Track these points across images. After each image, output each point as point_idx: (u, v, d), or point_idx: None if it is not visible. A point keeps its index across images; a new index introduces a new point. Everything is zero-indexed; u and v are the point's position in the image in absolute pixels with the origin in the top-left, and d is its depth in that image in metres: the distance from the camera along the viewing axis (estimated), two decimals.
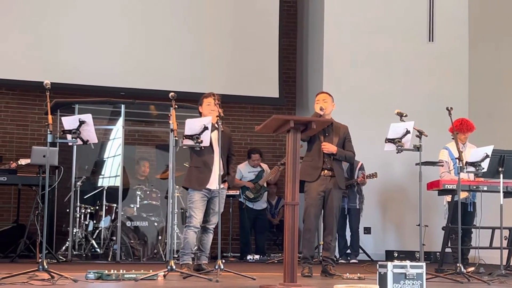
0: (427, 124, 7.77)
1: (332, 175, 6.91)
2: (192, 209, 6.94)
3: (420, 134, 6.75)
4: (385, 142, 6.66)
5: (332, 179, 6.91)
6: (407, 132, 6.60)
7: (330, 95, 7.08)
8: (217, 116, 6.58)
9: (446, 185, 7.64)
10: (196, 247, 7.29)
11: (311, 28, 12.11)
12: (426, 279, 5.16)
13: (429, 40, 11.42)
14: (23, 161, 9.06)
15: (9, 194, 10.66)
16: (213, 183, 6.95)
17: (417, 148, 6.66)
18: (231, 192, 10.33)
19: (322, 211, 6.98)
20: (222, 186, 6.93)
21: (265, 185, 10.63)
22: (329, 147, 6.87)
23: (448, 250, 8.07)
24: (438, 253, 9.24)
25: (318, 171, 6.88)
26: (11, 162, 9.31)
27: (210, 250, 7.29)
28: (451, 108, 7.11)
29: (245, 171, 10.68)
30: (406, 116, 6.73)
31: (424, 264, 5.11)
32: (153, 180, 10.27)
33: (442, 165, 8.07)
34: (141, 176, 10.15)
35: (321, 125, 6.23)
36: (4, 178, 8.93)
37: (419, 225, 6.77)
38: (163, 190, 9.80)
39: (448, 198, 8.02)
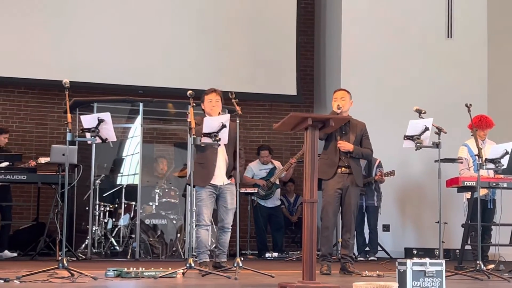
0: (446, 120, 7.74)
1: (349, 173, 6.89)
2: (200, 207, 6.90)
3: (439, 131, 6.71)
4: (404, 139, 6.64)
5: (349, 177, 6.89)
6: (426, 129, 6.57)
7: (348, 92, 7.05)
8: (235, 114, 6.59)
9: (465, 182, 7.59)
10: (214, 245, 7.29)
11: (328, 25, 12.08)
12: (446, 276, 5.13)
13: (448, 37, 11.36)
14: (42, 160, 9.12)
15: (29, 192, 10.73)
16: (218, 178, 6.93)
17: (436, 145, 6.64)
18: (249, 190, 10.35)
19: (340, 208, 6.97)
20: (228, 181, 6.92)
21: (277, 182, 10.61)
22: (345, 145, 6.85)
23: (467, 247, 8.02)
24: (457, 251, 9.19)
25: (334, 169, 6.86)
26: (31, 160, 9.38)
27: (228, 248, 7.28)
28: (470, 104, 7.07)
29: (256, 169, 10.68)
30: (425, 113, 6.70)
31: (443, 261, 5.08)
32: (171, 178, 10.30)
33: (462, 162, 8.02)
34: (159, 174, 10.19)
35: (339, 122, 6.21)
36: (24, 177, 8.99)
37: (438, 222, 6.74)
38: (181, 188, 9.83)
39: (468, 195, 7.96)
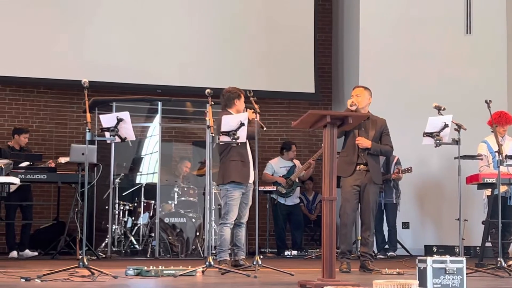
0: (466, 117, 7.67)
1: (367, 170, 6.86)
2: (231, 206, 6.87)
3: (458, 127, 6.67)
4: (423, 136, 6.60)
5: (367, 174, 6.86)
6: (446, 125, 6.53)
7: (366, 88, 7.01)
8: (253, 112, 6.59)
9: (485, 179, 7.53)
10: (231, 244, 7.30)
11: (346, 22, 12.05)
12: (466, 274, 5.10)
13: (467, 33, 11.28)
14: (62, 159, 9.18)
15: (49, 192, 10.80)
16: (251, 177, 6.96)
17: (456, 142, 6.60)
18: (268, 188, 10.34)
19: (359, 206, 6.95)
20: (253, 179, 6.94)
21: (297, 180, 10.60)
22: (363, 142, 6.82)
23: (488, 244, 7.97)
24: (478, 248, 9.14)
25: (353, 166, 6.84)
26: (50, 161, 9.43)
27: (247, 246, 7.28)
28: (490, 101, 7.03)
29: (277, 166, 10.66)
30: (444, 109, 6.66)
31: (464, 258, 5.06)
32: (190, 176, 10.32)
33: (482, 159, 7.97)
34: (181, 174, 10.19)
35: (358, 119, 6.18)
36: (44, 176, 9.05)
37: (458, 219, 6.70)
38: (200, 187, 9.84)
39: (488, 192, 7.91)
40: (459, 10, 11.29)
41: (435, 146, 6.61)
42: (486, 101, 7.01)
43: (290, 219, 10.73)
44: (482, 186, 7.80)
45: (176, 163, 10.55)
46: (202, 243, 9.22)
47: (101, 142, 8.48)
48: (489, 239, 7.85)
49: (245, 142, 6.85)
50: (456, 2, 11.29)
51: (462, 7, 11.29)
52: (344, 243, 6.89)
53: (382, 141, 6.97)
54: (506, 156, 6.85)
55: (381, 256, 9.79)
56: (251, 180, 6.95)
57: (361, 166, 6.86)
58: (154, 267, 6.06)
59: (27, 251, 9.21)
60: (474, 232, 9.91)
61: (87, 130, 5.90)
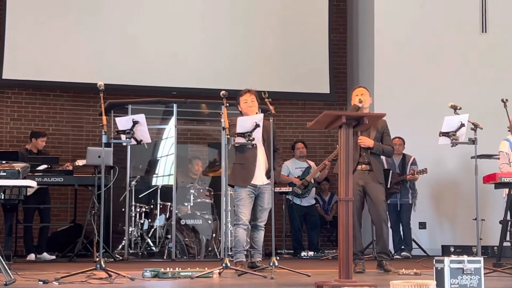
0: (482, 116, 7.64)
1: (369, 169, 6.85)
2: (239, 206, 6.91)
3: (475, 127, 6.64)
4: (439, 136, 6.58)
5: (370, 174, 6.84)
6: (462, 125, 6.50)
7: (367, 89, 7.04)
8: (268, 113, 6.59)
9: (502, 178, 7.49)
10: (248, 245, 7.30)
11: (361, 22, 12.02)
12: (484, 274, 5.08)
13: (482, 31, 11.23)
14: (80, 162, 9.22)
15: (66, 194, 10.86)
16: (258, 178, 6.93)
17: (472, 141, 6.56)
18: (284, 189, 10.34)
19: (368, 206, 6.90)
20: (268, 181, 6.93)
21: (312, 181, 10.58)
22: (365, 141, 6.81)
23: (506, 244, 7.93)
24: (495, 248, 9.09)
25: (354, 165, 6.80)
26: (67, 164, 9.48)
27: (264, 247, 7.28)
28: (507, 99, 6.99)
29: (292, 167, 10.66)
30: (460, 108, 6.63)
31: (481, 258, 5.03)
32: (206, 178, 10.33)
33: (498, 158, 7.92)
34: (194, 174, 10.22)
35: (374, 119, 6.18)
36: (61, 179, 9.09)
37: (475, 219, 6.67)
38: (215, 188, 9.85)
39: (507, 191, 7.86)
40: (475, 9, 11.23)
41: (452, 146, 6.58)
42: (502, 100, 6.97)
43: (306, 220, 10.72)
44: (499, 185, 7.75)
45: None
46: (219, 245, 9.23)
47: (117, 145, 8.51)
48: (507, 239, 7.81)
49: (255, 145, 6.84)
50: (472, 1, 11.23)
51: (478, 6, 11.23)
52: (353, 244, 6.85)
53: (384, 141, 6.97)
54: None
55: (397, 257, 9.76)
56: (258, 182, 6.93)
57: (363, 165, 6.84)
58: (171, 269, 6.07)
59: (44, 254, 9.25)
60: (491, 232, 9.85)
61: (103, 132, 5.93)
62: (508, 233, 7.80)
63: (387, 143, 6.98)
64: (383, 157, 7.82)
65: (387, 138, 6.99)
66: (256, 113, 6.88)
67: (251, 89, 7.06)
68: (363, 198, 6.86)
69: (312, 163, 10.72)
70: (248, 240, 7.28)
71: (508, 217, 7.69)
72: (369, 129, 6.87)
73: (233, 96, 7.06)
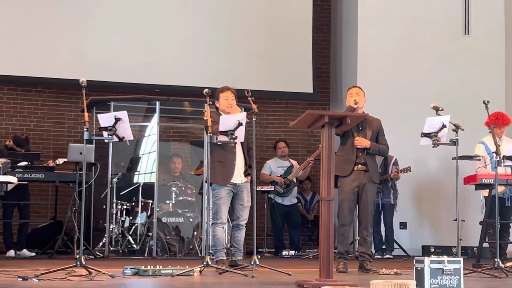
0: (464, 117, 7.69)
1: (365, 170, 6.88)
2: (219, 205, 6.88)
3: (456, 128, 6.69)
4: (421, 137, 6.62)
5: (366, 174, 6.88)
6: (443, 126, 6.55)
7: (362, 89, 7.04)
8: (251, 111, 6.58)
9: (483, 180, 7.55)
10: (229, 244, 7.29)
11: (345, 22, 12.04)
12: (464, 274, 5.11)
13: (465, 33, 11.28)
14: (61, 160, 9.17)
15: (47, 191, 10.79)
16: (237, 177, 6.92)
17: (454, 142, 6.61)
18: (266, 188, 10.34)
19: (357, 206, 6.96)
20: (245, 179, 6.92)
21: (294, 180, 10.59)
22: (362, 142, 6.84)
23: (485, 245, 7.98)
24: (475, 248, 9.14)
25: (351, 166, 6.85)
26: (49, 161, 9.43)
27: (245, 246, 7.28)
28: (488, 101, 7.04)
29: (274, 166, 10.67)
30: (442, 110, 6.68)
31: (461, 259, 5.06)
32: (188, 176, 10.32)
33: (479, 160, 7.98)
34: (174, 172, 10.20)
35: (356, 120, 6.20)
36: (41, 175, 9.04)
37: (456, 220, 6.71)
38: (197, 186, 9.85)
39: (485, 192, 7.91)
40: (457, 11, 11.28)
41: (433, 147, 6.63)
42: (484, 102, 7.02)
43: (288, 219, 10.73)
44: (480, 186, 7.81)
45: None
46: (200, 243, 9.22)
47: (99, 142, 8.47)
48: (487, 240, 7.86)
49: (234, 144, 6.83)
50: (454, 3, 11.29)
51: (460, 8, 11.29)
52: (341, 244, 6.89)
53: (379, 140, 7.01)
54: (504, 156, 6.85)
55: (378, 256, 9.79)
56: (237, 181, 6.92)
57: (360, 166, 6.87)
58: (152, 267, 6.06)
59: (24, 250, 9.20)
60: (471, 233, 9.92)
61: (85, 129, 5.90)
62: (487, 234, 7.85)
63: (382, 143, 7.01)
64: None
65: (382, 137, 7.03)
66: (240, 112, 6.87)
67: (231, 87, 7.05)
68: (357, 198, 6.89)
69: (294, 162, 10.73)
70: (229, 238, 7.27)
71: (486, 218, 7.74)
72: (365, 130, 6.91)
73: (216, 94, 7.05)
